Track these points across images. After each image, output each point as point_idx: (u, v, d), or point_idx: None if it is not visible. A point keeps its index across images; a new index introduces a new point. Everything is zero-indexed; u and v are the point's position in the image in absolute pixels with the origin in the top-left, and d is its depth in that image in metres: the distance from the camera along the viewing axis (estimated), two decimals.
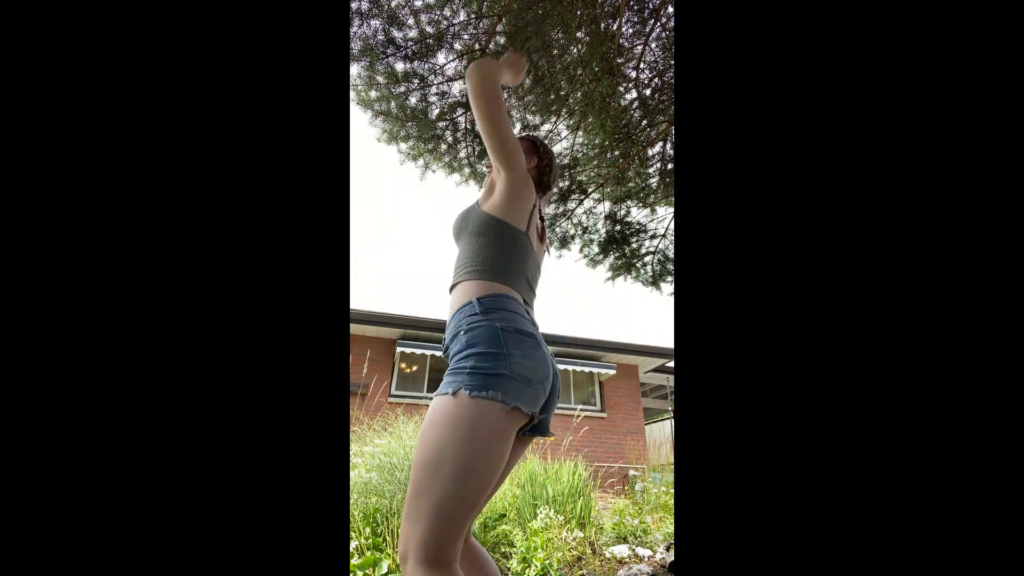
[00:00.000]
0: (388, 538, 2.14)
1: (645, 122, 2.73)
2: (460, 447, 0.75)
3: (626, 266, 3.42)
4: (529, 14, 2.20)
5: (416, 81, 2.57)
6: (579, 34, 2.41)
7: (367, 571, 1.90)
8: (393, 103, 2.65)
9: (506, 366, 0.82)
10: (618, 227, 3.34)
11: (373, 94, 2.63)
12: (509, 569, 2.28)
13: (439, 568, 0.70)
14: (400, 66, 2.51)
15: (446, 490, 0.73)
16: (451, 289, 0.99)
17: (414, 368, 7.90)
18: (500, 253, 0.98)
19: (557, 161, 1.18)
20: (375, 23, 2.33)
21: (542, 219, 1.16)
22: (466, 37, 2.49)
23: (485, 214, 1.00)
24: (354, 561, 1.92)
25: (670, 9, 2.40)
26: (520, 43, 2.24)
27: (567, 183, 3.12)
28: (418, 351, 7.47)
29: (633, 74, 2.62)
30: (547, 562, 2.22)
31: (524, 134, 1.25)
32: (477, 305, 0.90)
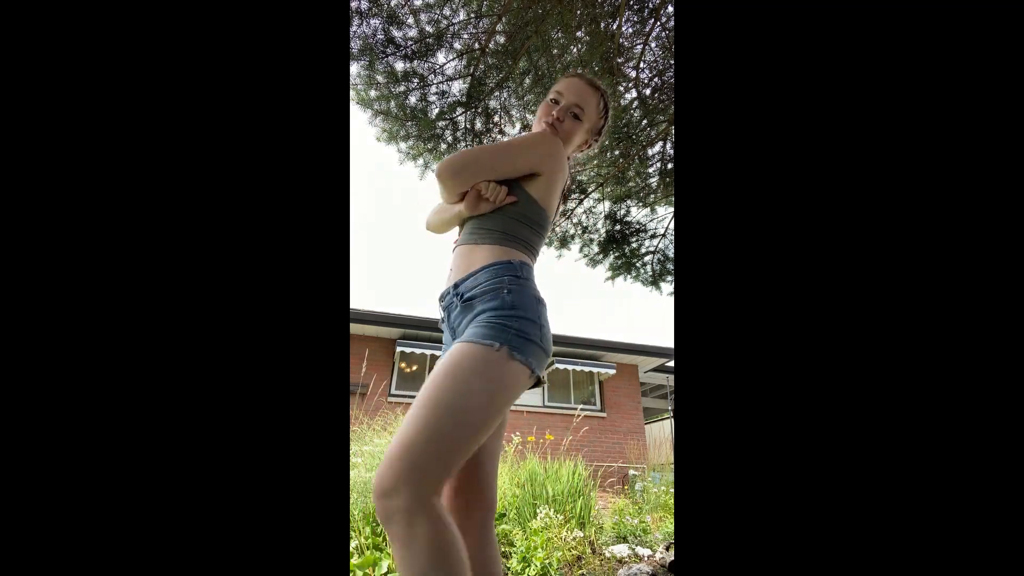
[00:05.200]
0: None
1: (645, 122, 2.73)
2: (486, 401, 0.74)
3: (626, 266, 3.43)
4: (529, 13, 2.20)
5: (416, 80, 2.57)
6: (579, 34, 2.41)
7: (367, 571, 1.90)
8: (393, 102, 2.65)
9: (539, 336, 0.82)
10: (618, 227, 3.34)
11: (373, 93, 2.62)
12: (509, 568, 2.28)
13: (437, 510, 0.68)
14: (400, 65, 2.51)
15: (461, 439, 0.71)
16: (465, 245, 0.96)
17: (414, 368, 7.89)
18: (533, 235, 0.98)
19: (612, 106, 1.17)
20: (375, 22, 2.33)
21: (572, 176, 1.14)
22: (466, 36, 2.48)
23: (528, 196, 0.97)
24: (354, 561, 1.92)
25: (670, 9, 2.40)
26: (520, 42, 2.24)
27: (566, 182, 3.11)
28: (418, 351, 7.47)
29: (633, 74, 2.62)
30: (547, 561, 2.22)
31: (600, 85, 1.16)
32: (520, 269, 0.88)
